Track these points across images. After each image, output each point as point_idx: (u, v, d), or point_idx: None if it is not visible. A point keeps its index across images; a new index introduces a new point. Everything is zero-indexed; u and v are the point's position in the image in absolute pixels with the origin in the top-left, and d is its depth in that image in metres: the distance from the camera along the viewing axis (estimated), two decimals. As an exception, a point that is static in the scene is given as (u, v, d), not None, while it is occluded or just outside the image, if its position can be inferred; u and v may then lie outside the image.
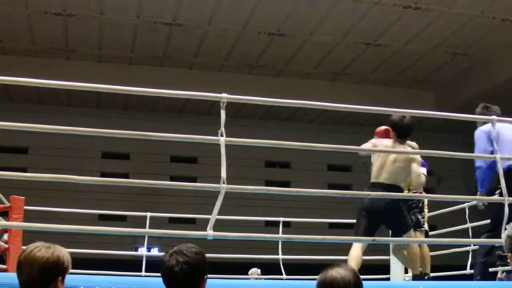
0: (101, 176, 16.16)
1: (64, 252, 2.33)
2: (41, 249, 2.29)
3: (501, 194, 4.53)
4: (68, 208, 8.73)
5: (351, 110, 4.60)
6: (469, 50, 15.73)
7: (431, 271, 6.60)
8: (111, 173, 17.39)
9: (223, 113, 3.84)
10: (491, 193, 5.05)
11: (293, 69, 16.94)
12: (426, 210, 6.16)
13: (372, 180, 5.27)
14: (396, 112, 5.04)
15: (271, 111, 18.47)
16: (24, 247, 2.46)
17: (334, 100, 4.86)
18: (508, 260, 2.83)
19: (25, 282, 2.24)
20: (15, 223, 5.24)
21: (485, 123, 5.09)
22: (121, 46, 15.56)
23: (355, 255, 5.14)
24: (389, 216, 5.18)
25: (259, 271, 8.84)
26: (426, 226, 6.13)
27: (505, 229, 4.26)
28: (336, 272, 2.27)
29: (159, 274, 2.43)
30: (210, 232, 3.76)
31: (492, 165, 4.93)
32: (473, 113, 4.95)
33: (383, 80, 17.63)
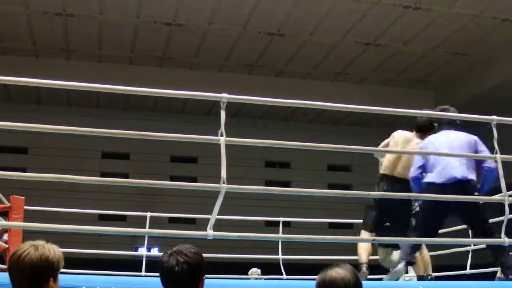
0: (101, 176, 16.15)
1: (54, 252, 2.27)
2: (29, 253, 2.22)
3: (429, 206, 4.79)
4: (68, 208, 8.72)
5: (351, 110, 4.60)
6: (469, 50, 15.74)
7: (432, 271, 6.60)
8: (111, 173, 17.39)
9: (223, 113, 3.84)
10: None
11: (293, 69, 16.94)
12: None
13: (385, 171, 5.41)
14: (396, 112, 5.04)
15: (270, 111, 18.48)
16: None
17: (334, 100, 4.86)
18: None
19: (17, 286, 2.23)
20: (15, 223, 5.24)
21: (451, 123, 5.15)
22: (121, 46, 15.56)
23: (365, 244, 5.29)
24: (400, 210, 5.28)
25: (259, 271, 8.83)
26: None
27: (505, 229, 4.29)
28: (336, 272, 2.26)
29: (158, 274, 2.43)
30: (210, 232, 3.75)
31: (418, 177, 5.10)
32: (473, 113, 4.94)
33: (383, 80, 17.63)
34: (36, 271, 2.21)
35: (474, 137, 5.01)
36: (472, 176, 4.86)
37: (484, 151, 4.87)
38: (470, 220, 4.93)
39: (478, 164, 4.94)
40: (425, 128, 5.46)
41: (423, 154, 5.32)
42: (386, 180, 5.38)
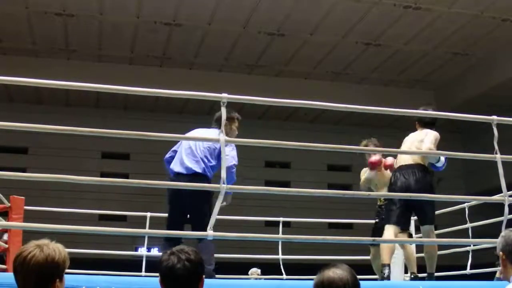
0: (101, 176, 16.15)
1: (60, 252, 2.25)
2: (35, 255, 2.20)
3: None
4: (68, 208, 8.73)
5: (351, 110, 4.60)
6: (469, 50, 15.73)
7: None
8: (111, 173, 17.38)
9: (223, 113, 3.84)
10: None
11: (293, 69, 16.94)
12: None
13: (402, 163, 5.41)
14: (396, 112, 5.04)
15: (270, 111, 18.47)
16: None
17: (334, 100, 4.86)
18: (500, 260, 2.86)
19: (23, 287, 2.23)
20: (15, 223, 5.24)
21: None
22: (121, 46, 15.56)
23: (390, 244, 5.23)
24: (422, 200, 5.23)
25: (259, 271, 8.84)
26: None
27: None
28: (333, 273, 2.24)
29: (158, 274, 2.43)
30: (210, 232, 3.76)
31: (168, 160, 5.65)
32: (473, 113, 4.95)
33: (383, 80, 17.63)
34: (42, 273, 2.19)
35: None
36: (200, 169, 5.22)
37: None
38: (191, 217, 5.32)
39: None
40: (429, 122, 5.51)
41: (423, 154, 5.33)
42: (404, 168, 5.34)
